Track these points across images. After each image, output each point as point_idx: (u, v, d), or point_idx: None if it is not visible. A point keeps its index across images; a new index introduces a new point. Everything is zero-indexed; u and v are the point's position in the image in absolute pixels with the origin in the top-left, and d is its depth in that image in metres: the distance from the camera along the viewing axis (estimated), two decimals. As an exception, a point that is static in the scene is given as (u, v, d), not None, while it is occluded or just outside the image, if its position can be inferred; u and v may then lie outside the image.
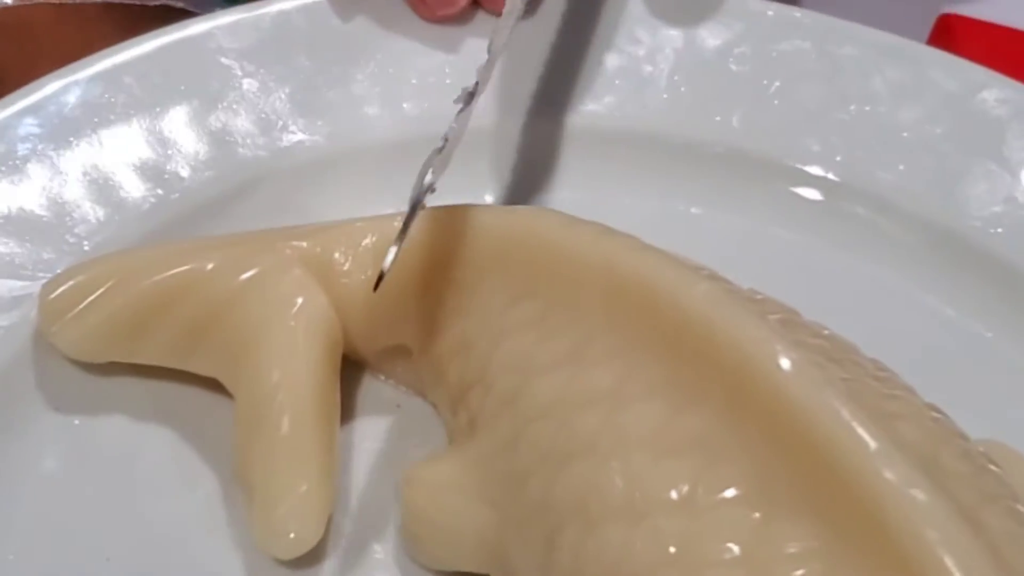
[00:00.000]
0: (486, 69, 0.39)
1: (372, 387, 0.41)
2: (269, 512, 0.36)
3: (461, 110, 0.38)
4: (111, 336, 0.39)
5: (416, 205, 0.37)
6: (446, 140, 0.37)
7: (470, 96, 0.38)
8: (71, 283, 0.39)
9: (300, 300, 0.39)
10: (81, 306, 0.39)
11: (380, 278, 0.36)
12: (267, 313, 0.38)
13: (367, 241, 0.40)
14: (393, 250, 0.36)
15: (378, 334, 0.40)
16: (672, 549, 0.30)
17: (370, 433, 0.40)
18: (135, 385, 0.40)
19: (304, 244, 0.40)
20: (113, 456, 0.39)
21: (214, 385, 0.40)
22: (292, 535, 0.36)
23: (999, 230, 0.44)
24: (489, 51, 0.39)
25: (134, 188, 0.43)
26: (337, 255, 0.40)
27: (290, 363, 0.38)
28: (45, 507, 0.38)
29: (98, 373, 0.40)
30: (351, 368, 0.41)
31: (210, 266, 0.39)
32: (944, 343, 0.43)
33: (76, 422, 0.39)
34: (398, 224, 0.37)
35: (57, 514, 0.37)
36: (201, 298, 0.39)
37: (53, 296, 0.39)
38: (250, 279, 0.39)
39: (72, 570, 0.36)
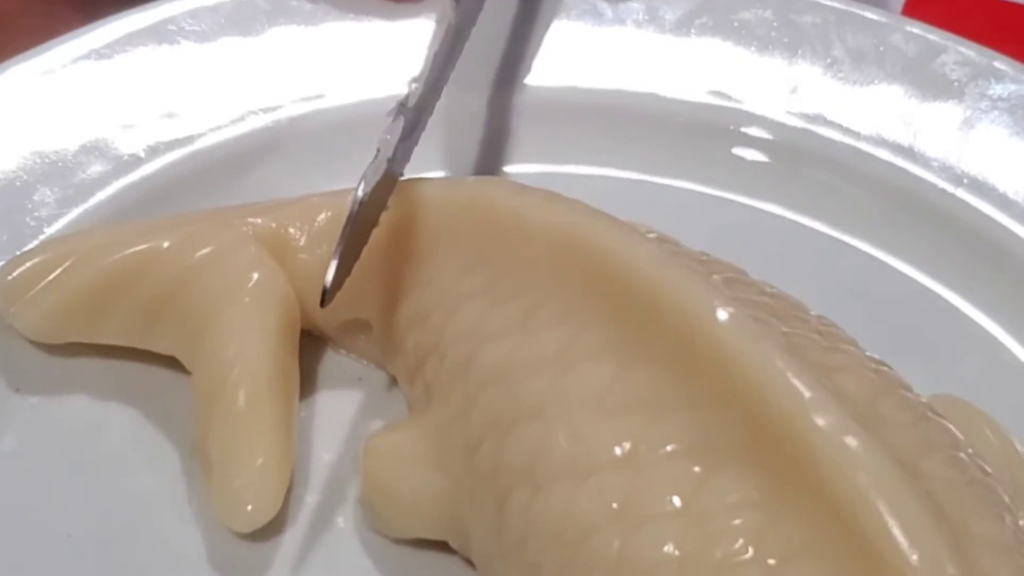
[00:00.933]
0: (419, 79, 0.40)
1: (334, 361, 0.41)
2: (226, 485, 0.37)
3: (394, 120, 0.39)
4: (70, 316, 0.39)
5: (353, 219, 0.37)
6: (378, 151, 0.38)
7: (402, 106, 0.39)
8: (29, 264, 0.39)
9: (255, 276, 0.39)
10: (39, 287, 0.39)
11: (324, 294, 0.37)
12: (222, 289, 0.39)
13: (322, 216, 0.40)
14: (334, 264, 0.37)
15: (336, 308, 0.40)
16: (615, 505, 0.30)
17: (331, 406, 0.40)
18: (95, 365, 0.40)
19: (259, 221, 0.40)
20: (74, 435, 0.39)
21: (174, 363, 0.40)
22: (249, 507, 0.36)
23: (958, 190, 0.45)
24: (424, 64, 0.40)
25: (94, 171, 0.43)
26: (292, 231, 0.40)
27: (246, 338, 0.38)
28: (5, 486, 0.38)
29: (58, 354, 0.40)
30: (313, 343, 0.41)
31: (166, 244, 0.39)
32: (901, 301, 0.43)
33: (35, 402, 0.40)
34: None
35: (18, 493, 0.38)
36: (157, 276, 0.39)
37: (11, 277, 0.39)
38: (205, 256, 0.39)
39: (34, 547, 0.37)
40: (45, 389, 0.40)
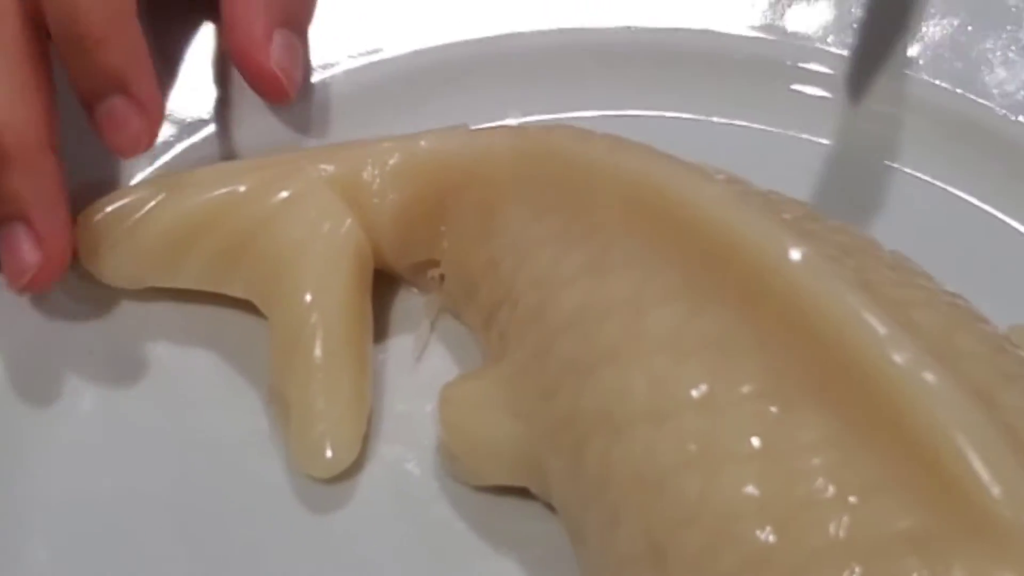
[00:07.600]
0: None
1: (407, 307, 0.42)
2: (305, 432, 0.38)
3: None
4: (149, 261, 0.40)
5: None
6: None
7: None
8: (108, 210, 0.40)
9: (330, 222, 0.39)
10: (118, 233, 0.40)
11: None
12: (298, 236, 0.39)
13: (393, 160, 0.40)
14: None
15: (408, 251, 0.41)
16: (693, 447, 0.31)
17: (404, 357, 0.41)
18: (172, 311, 0.41)
19: (332, 167, 0.40)
20: (154, 384, 0.40)
21: (250, 308, 0.40)
22: (329, 454, 0.37)
23: (1021, 118, 0.44)
24: None
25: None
26: (365, 175, 0.40)
27: (322, 285, 0.39)
28: (89, 436, 0.39)
29: (137, 300, 0.41)
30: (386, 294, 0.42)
31: (243, 189, 0.40)
32: (971, 234, 0.43)
33: (113, 354, 0.40)
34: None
35: (101, 445, 0.39)
36: (235, 221, 0.40)
37: (90, 226, 0.40)
38: (281, 203, 0.40)
39: (119, 502, 0.38)
40: (122, 340, 0.41)
